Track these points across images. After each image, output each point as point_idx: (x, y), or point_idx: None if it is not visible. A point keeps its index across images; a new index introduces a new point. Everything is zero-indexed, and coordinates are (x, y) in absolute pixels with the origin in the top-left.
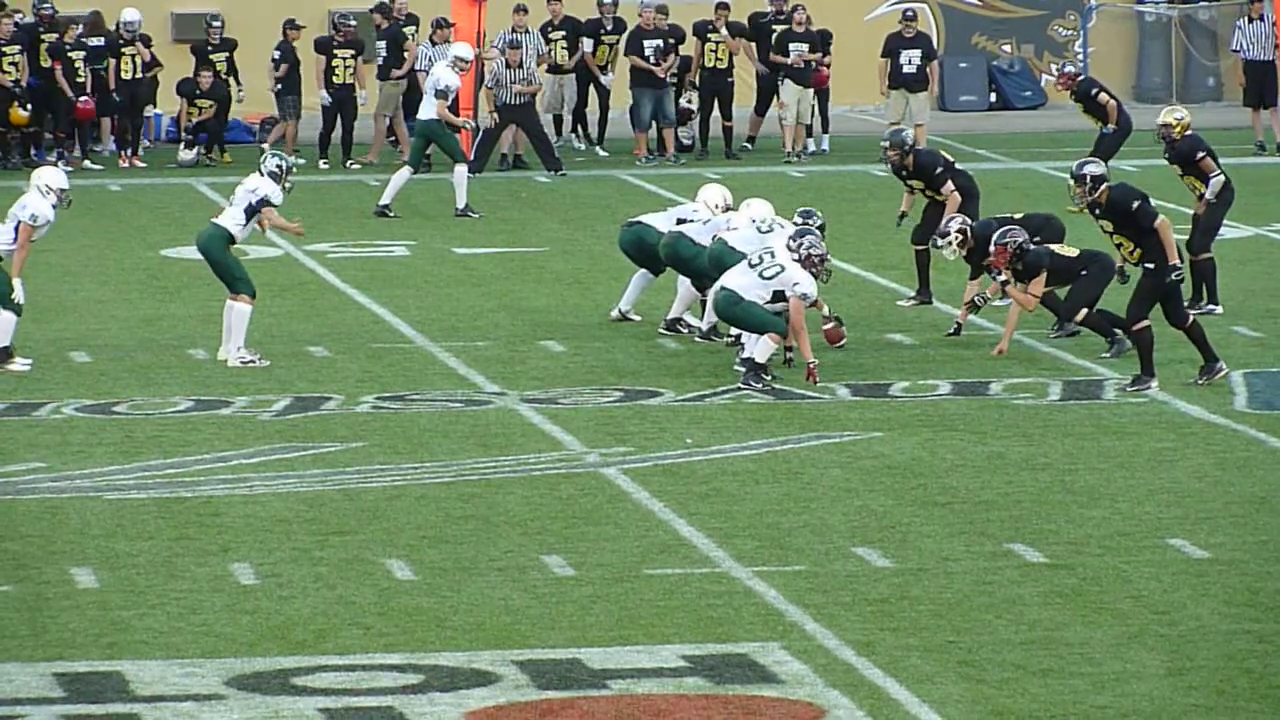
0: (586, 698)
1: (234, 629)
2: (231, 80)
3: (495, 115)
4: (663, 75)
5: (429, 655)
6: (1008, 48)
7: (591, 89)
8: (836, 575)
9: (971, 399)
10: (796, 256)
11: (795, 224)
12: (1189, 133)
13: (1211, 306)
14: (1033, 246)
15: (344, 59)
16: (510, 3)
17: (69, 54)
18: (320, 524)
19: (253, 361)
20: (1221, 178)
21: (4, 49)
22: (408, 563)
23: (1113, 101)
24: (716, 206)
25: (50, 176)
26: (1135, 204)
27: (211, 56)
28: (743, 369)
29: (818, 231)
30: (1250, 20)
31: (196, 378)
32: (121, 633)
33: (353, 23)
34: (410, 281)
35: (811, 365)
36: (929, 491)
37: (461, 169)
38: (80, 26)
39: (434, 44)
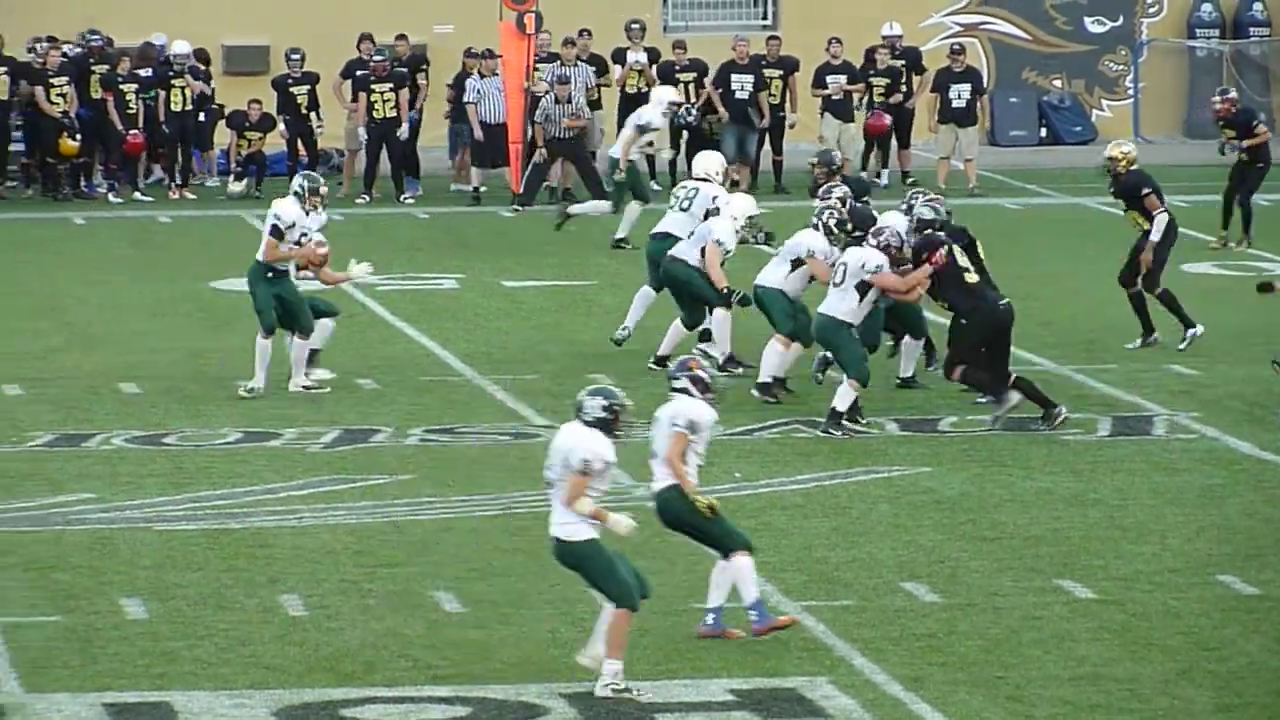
0: None
1: (283, 660)
2: (312, 114)
3: (544, 149)
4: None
5: (477, 688)
6: (1058, 83)
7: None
8: (885, 610)
9: (1020, 434)
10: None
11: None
12: (1134, 168)
13: (1156, 337)
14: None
15: (381, 93)
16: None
17: (120, 86)
18: (369, 556)
19: (313, 388)
20: (1166, 216)
21: (53, 80)
22: (456, 595)
23: (1268, 134)
24: (717, 174)
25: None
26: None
27: (292, 90)
28: (759, 392)
29: (836, 202)
30: None
31: (245, 410)
32: (170, 663)
33: (380, 57)
34: (459, 314)
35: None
36: (978, 527)
37: (636, 205)
38: (130, 58)
39: (481, 76)
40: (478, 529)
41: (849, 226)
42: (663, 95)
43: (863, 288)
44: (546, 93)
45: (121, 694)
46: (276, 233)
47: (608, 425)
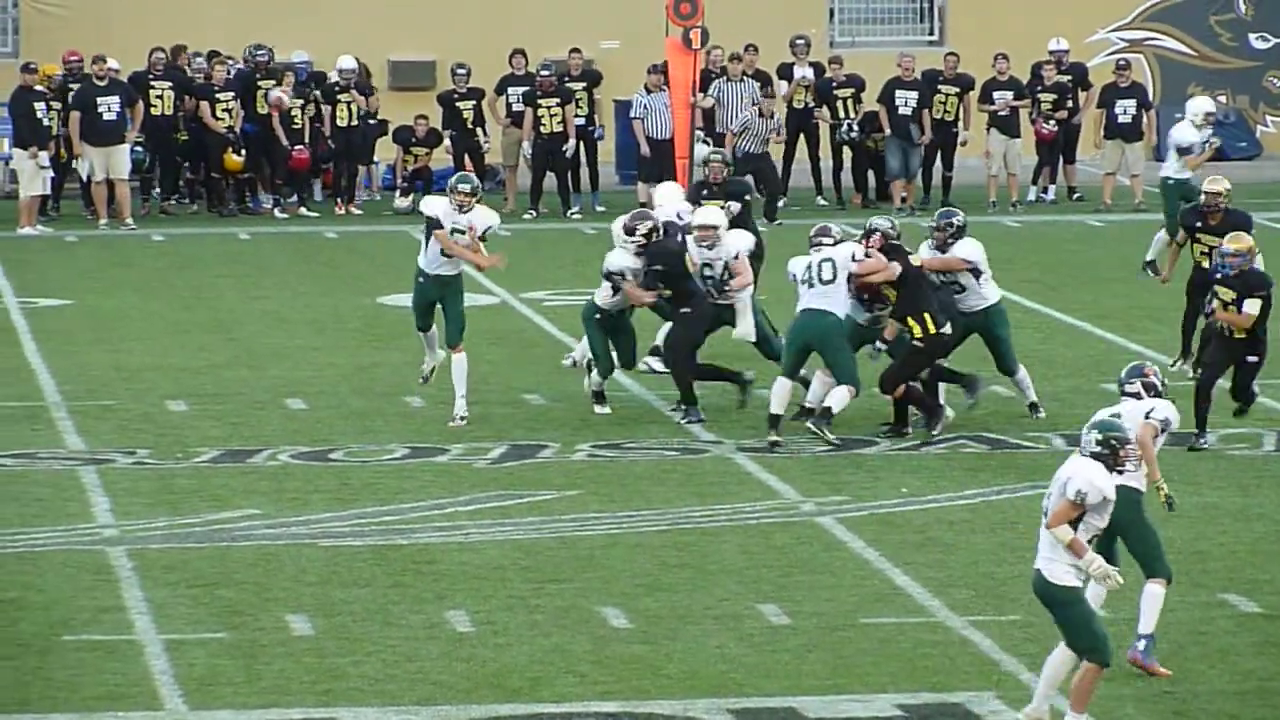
0: None
1: (449, 676)
2: (479, 130)
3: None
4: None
5: (644, 703)
6: (1222, 98)
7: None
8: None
9: (1186, 450)
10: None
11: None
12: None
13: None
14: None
15: (549, 108)
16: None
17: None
18: (536, 571)
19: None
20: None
21: (218, 95)
22: (623, 610)
23: None
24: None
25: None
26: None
27: (458, 105)
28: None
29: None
30: None
31: (412, 425)
32: (336, 680)
33: (547, 72)
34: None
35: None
36: None
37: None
38: (296, 74)
39: (649, 91)
40: (643, 544)
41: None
42: (1200, 106)
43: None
44: (716, 105)
45: (287, 710)
46: (431, 224)
47: (1107, 459)
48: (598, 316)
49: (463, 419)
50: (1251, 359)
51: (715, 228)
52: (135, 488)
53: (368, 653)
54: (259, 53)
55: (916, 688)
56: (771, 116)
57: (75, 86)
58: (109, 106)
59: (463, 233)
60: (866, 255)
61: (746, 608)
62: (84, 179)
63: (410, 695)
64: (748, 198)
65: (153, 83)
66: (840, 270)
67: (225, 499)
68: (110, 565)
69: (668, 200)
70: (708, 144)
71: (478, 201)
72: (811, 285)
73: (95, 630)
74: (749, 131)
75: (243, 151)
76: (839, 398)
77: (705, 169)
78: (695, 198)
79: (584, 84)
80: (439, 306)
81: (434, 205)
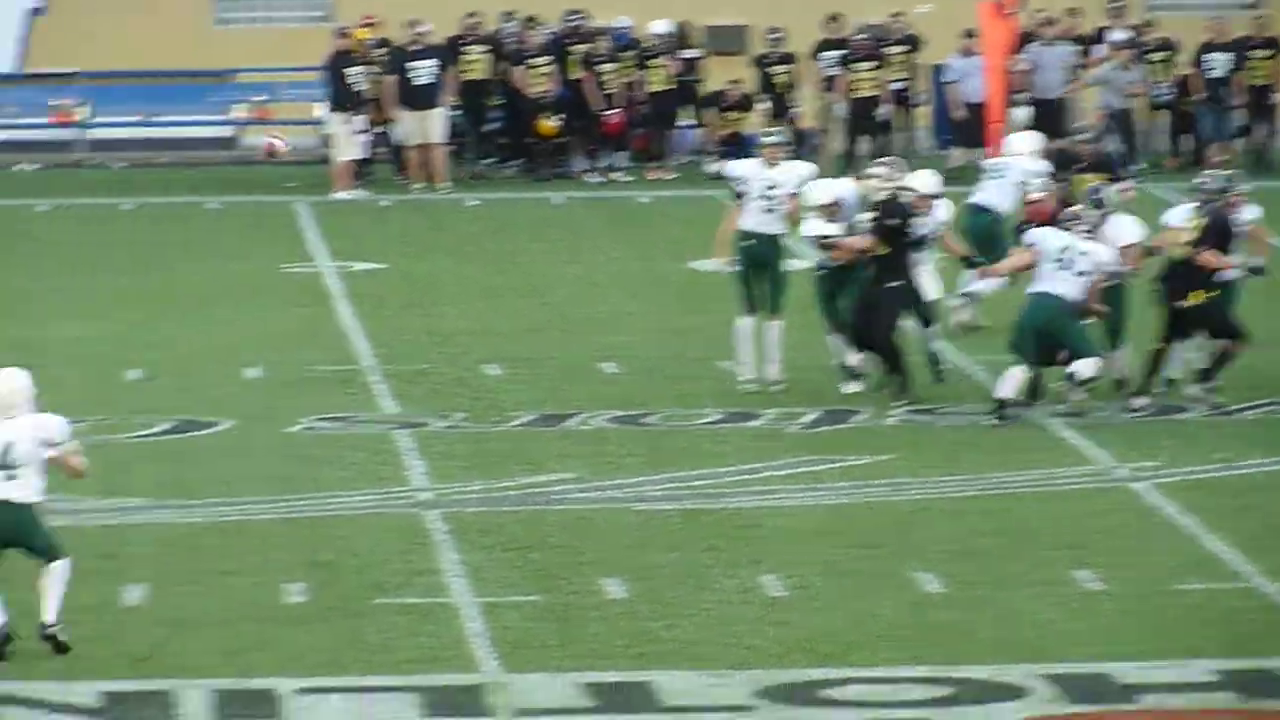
0: (1116, 712)
1: (761, 641)
2: (793, 95)
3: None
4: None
5: (957, 669)
6: None
7: None
8: None
9: None
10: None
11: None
12: None
13: None
14: None
15: (862, 71)
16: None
17: (598, 66)
18: (848, 536)
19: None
20: None
21: (533, 60)
22: (935, 575)
23: None
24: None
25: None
26: None
27: (772, 69)
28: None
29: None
30: None
31: (725, 389)
32: (650, 643)
33: (863, 35)
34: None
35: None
36: None
37: None
38: (616, 40)
39: (965, 55)
40: (955, 510)
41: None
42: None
43: None
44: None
45: (601, 674)
46: (735, 195)
47: None
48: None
49: (775, 384)
50: None
51: (927, 197)
52: (450, 451)
53: (681, 616)
54: (573, 17)
55: (1233, 654)
56: (1130, 69)
57: (382, 50)
58: (423, 70)
59: (771, 198)
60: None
61: (1059, 574)
62: (397, 143)
63: (724, 659)
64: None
65: (465, 47)
66: (1092, 270)
67: (540, 463)
68: (425, 528)
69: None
70: (1026, 109)
71: (787, 156)
72: (1063, 267)
73: (410, 593)
74: (1112, 87)
75: (557, 116)
76: (1092, 367)
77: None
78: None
79: (903, 48)
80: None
81: (740, 167)
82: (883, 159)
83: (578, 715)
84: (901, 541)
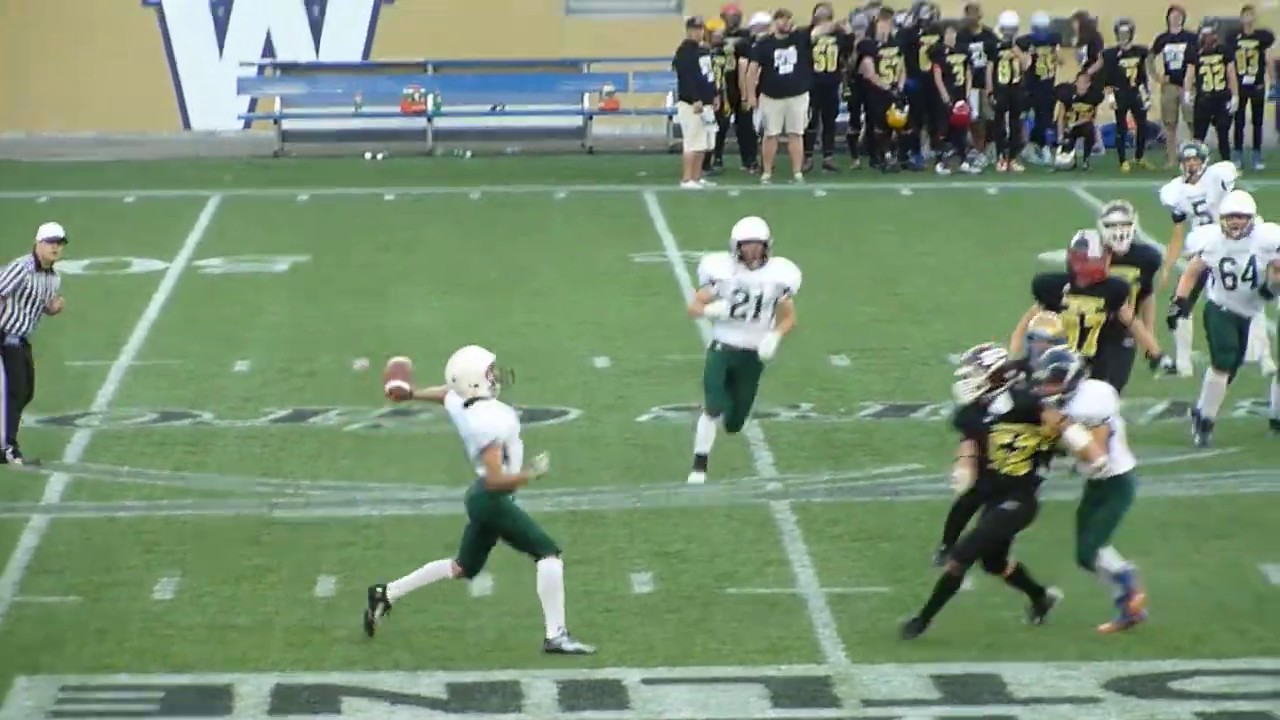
0: None
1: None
2: (1141, 87)
3: None
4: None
5: None
6: None
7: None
8: None
9: None
10: None
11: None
12: None
13: None
14: None
15: (1210, 64)
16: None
17: (948, 57)
18: (1197, 528)
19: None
20: None
21: (883, 51)
22: None
23: None
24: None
25: None
26: None
27: (1121, 62)
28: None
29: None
30: None
31: None
32: (999, 634)
33: (1209, 29)
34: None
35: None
36: None
37: None
38: (955, 29)
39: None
40: None
41: None
42: None
43: None
44: None
45: (948, 665)
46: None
47: None
48: None
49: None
50: None
51: (1247, 216)
52: (799, 442)
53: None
54: (922, 7)
55: None
56: None
57: (731, 40)
58: (786, 59)
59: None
60: None
61: None
62: (757, 130)
63: (1072, 650)
64: None
65: (816, 37)
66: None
67: (888, 453)
68: (774, 519)
69: None
70: None
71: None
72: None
73: (758, 584)
74: None
75: (906, 107)
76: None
77: None
78: None
79: (1255, 43)
80: None
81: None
82: (1117, 204)
83: (926, 706)
84: (1250, 533)
